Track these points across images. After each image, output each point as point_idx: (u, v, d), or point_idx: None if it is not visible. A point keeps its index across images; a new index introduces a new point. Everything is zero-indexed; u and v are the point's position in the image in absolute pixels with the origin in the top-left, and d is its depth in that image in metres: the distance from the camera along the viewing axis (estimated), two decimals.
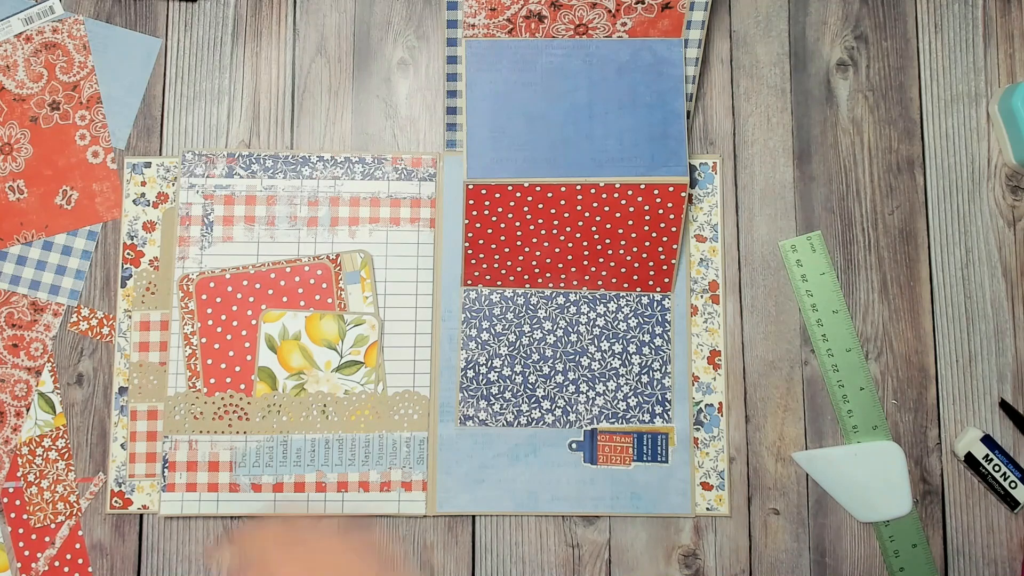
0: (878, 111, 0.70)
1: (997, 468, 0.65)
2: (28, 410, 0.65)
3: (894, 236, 0.69)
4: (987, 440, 0.65)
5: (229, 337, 0.65)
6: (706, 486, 0.65)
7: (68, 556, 0.65)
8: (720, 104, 0.69)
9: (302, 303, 0.65)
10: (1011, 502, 0.66)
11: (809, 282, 0.67)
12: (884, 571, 0.66)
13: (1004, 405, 0.67)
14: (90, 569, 0.65)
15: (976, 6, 0.71)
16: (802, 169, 0.69)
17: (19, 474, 0.65)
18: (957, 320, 0.68)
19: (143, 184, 0.67)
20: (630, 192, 0.61)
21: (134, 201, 0.67)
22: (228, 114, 0.68)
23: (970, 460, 0.66)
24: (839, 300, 0.67)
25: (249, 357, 0.65)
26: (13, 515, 0.65)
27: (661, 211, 0.62)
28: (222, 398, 0.65)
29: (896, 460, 0.66)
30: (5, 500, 0.65)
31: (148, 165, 0.67)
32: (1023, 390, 0.67)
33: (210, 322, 0.65)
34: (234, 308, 0.65)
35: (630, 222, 0.63)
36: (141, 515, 0.65)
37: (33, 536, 0.65)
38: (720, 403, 0.66)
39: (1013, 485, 0.65)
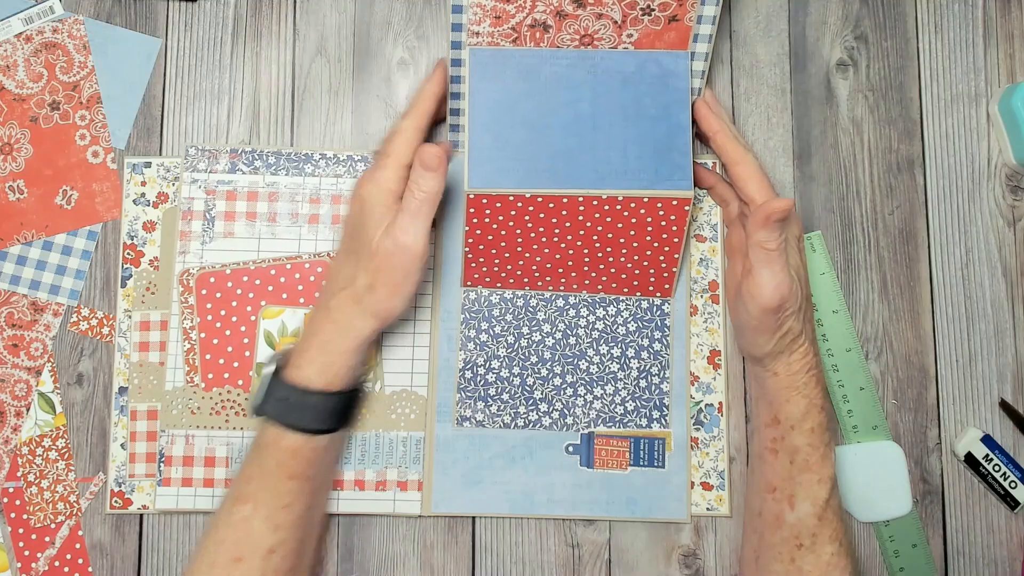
0: (878, 111, 0.70)
1: (997, 468, 0.65)
2: (28, 410, 0.65)
3: (894, 236, 0.69)
4: (987, 440, 0.65)
5: (228, 333, 0.65)
6: (706, 486, 0.65)
7: (68, 556, 0.65)
8: (721, 104, 0.69)
9: (302, 300, 0.65)
10: (1011, 502, 0.66)
11: (809, 282, 0.67)
12: (884, 571, 0.66)
13: (1004, 405, 0.67)
14: (90, 569, 0.65)
15: (976, 6, 0.71)
16: (802, 169, 0.69)
17: (19, 474, 0.65)
18: (957, 320, 0.68)
19: (143, 184, 0.67)
20: (632, 204, 0.61)
21: (134, 201, 0.67)
22: (228, 114, 0.68)
23: (970, 460, 0.66)
24: (839, 300, 0.67)
25: (248, 353, 0.65)
26: (13, 515, 0.65)
27: (664, 223, 0.62)
28: (220, 393, 0.65)
29: (896, 460, 0.66)
30: (5, 500, 0.65)
31: (148, 165, 0.67)
32: (1023, 390, 0.67)
33: (209, 317, 0.65)
34: (234, 304, 0.65)
35: (632, 232, 0.62)
36: (141, 515, 0.65)
37: (33, 536, 0.65)
38: (720, 403, 0.66)
39: (1013, 485, 0.65)
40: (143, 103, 0.68)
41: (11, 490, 0.65)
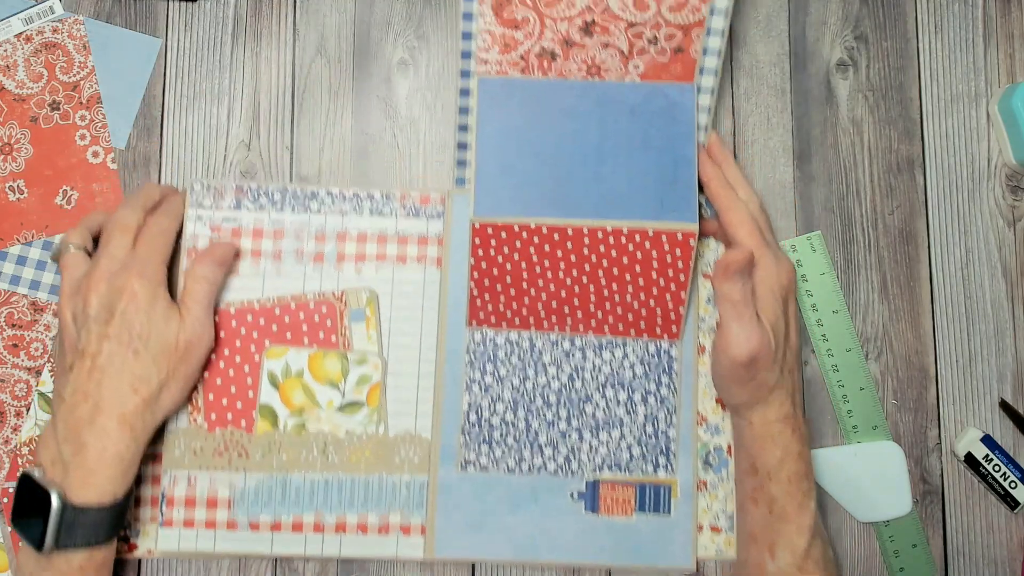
0: (878, 111, 0.70)
1: (997, 468, 0.65)
2: (28, 410, 0.65)
3: (894, 236, 0.69)
4: (987, 440, 0.65)
5: (231, 373, 0.64)
6: (715, 529, 0.64)
7: None
8: (720, 104, 0.69)
9: (306, 340, 0.64)
10: (1011, 502, 0.66)
11: (809, 282, 0.67)
12: (884, 571, 0.66)
13: (1004, 405, 0.67)
14: None
15: (976, 6, 0.71)
16: (802, 169, 0.69)
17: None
18: (957, 320, 0.68)
19: None
20: (637, 237, 0.60)
21: None
22: (228, 114, 0.68)
23: (970, 460, 0.66)
24: (839, 300, 0.67)
25: (251, 393, 0.64)
26: None
27: (669, 258, 0.61)
28: (222, 434, 0.63)
29: (896, 460, 0.66)
30: (5, 500, 0.65)
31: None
32: (1023, 390, 0.67)
33: (212, 356, 0.63)
34: (237, 343, 0.64)
35: (637, 268, 0.61)
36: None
37: None
38: (729, 445, 0.65)
39: (1013, 485, 0.65)
40: (143, 103, 0.68)
41: (11, 490, 0.65)
